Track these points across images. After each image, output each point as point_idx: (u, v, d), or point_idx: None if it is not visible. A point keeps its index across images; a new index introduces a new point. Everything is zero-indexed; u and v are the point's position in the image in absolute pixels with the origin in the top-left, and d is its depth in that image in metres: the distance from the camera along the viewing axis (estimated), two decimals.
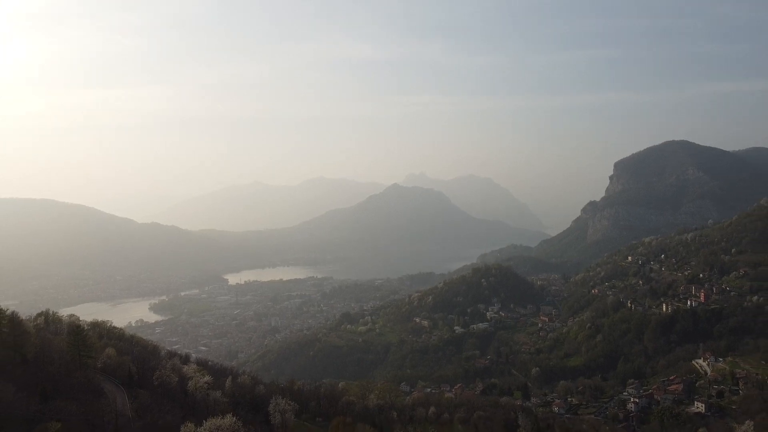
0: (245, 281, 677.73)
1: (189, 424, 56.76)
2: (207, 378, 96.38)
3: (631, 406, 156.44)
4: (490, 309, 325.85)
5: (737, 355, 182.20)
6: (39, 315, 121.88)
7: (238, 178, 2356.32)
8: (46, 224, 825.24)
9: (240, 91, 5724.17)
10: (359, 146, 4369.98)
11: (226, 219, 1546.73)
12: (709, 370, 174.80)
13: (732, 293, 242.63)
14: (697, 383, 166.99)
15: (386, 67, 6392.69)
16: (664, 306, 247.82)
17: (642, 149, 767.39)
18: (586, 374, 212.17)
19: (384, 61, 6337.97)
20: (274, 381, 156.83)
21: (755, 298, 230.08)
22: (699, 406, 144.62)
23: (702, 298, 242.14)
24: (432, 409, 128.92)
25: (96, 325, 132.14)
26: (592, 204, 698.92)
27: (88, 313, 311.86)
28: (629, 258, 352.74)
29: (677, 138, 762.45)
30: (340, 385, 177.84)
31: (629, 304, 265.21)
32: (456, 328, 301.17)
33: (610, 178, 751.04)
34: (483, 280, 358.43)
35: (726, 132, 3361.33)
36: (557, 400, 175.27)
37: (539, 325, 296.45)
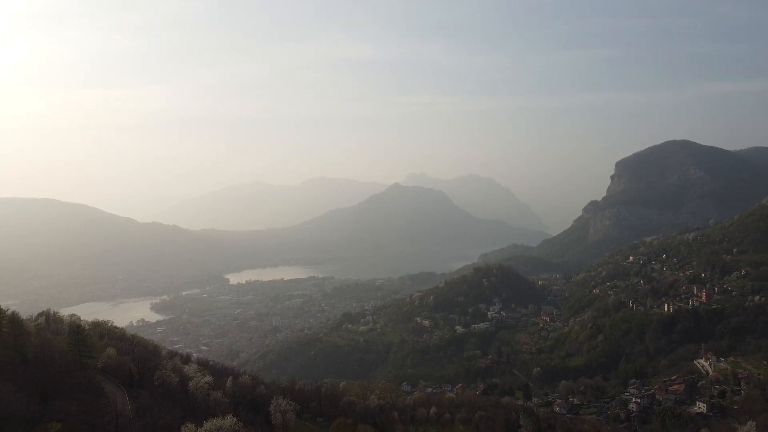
0: (246, 281, 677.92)
1: (189, 425, 56.55)
2: (208, 378, 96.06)
3: (632, 406, 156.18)
4: (491, 309, 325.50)
5: (739, 355, 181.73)
6: (40, 315, 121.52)
7: (239, 178, 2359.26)
8: (47, 224, 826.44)
9: (240, 91, 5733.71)
10: (360, 146, 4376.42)
11: (227, 219, 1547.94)
12: (710, 370, 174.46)
13: (734, 293, 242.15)
14: (699, 383, 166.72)
15: (386, 67, 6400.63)
16: (666, 306, 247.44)
17: (643, 149, 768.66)
18: (587, 374, 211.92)
19: (384, 61, 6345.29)
20: (275, 381, 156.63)
21: (757, 298, 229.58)
22: (701, 407, 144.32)
23: (703, 298, 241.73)
24: (433, 410, 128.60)
25: (97, 325, 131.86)
26: (593, 204, 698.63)
27: (89, 312, 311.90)
28: (630, 258, 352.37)
29: (678, 138, 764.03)
30: (341, 385, 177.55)
31: (631, 304, 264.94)
32: (457, 327, 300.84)
33: (612, 177, 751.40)
34: (484, 279, 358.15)
35: (727, 132, 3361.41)
36: (559, 400, 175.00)
37: (540, 324, 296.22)
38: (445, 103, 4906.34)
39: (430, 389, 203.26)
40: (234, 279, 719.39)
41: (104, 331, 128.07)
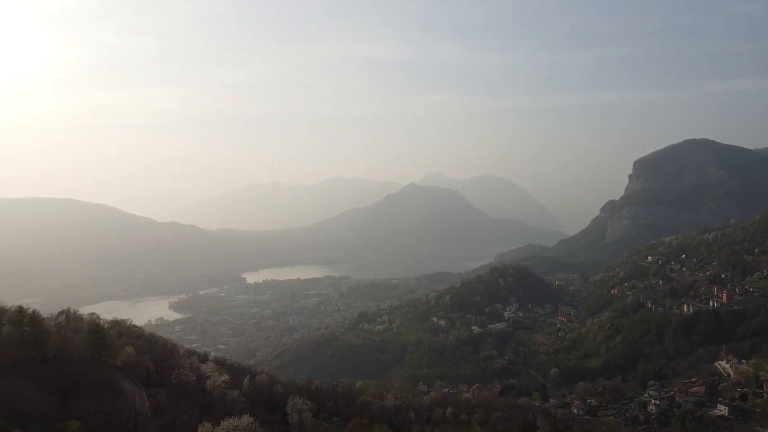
0: (263, 280, 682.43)
1: (206, 424, 56.81)
2: (225, 377, 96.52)
3: (651, 408, 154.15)
4: (507, 309, 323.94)
5: (761, 357, 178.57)
6: (60, 313, 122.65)
7: (256, 178, 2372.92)
8: (67, 223, 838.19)
9: (256, 91, 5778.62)
10: (375, 146, 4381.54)
11: (244, 218, 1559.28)
12: (732, 372, 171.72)
13: (755, 294, 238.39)
14: (720, 385, 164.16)
15: (401, 66, 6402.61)
16: (686, 306, 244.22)
17: (661, 148, 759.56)
18: (605, 375, 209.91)
19: (398, 60, 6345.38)
20: (292, 380, 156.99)
21: None
22: (722, 409, 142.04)
23: (724, 299, 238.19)
24: (450, 410, 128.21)
25: (116, 324, 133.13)
26: (611, 203, 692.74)
27: (108, 311, 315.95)
28: (649, 258, 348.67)
29: (697, 136, 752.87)
30: (357, 384, 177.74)
31: (649, 305, 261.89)
32: (473, 327, 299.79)
33: (629, 177, 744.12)
34: (500, 279, 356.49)
35: (747, 130, 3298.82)
36: (576, 402, 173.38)
37: (557, 325, 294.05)
38: (460, 103, 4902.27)
39: (446, 389, 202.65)
40: (251, 278, 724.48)
41: (123, 330, 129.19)
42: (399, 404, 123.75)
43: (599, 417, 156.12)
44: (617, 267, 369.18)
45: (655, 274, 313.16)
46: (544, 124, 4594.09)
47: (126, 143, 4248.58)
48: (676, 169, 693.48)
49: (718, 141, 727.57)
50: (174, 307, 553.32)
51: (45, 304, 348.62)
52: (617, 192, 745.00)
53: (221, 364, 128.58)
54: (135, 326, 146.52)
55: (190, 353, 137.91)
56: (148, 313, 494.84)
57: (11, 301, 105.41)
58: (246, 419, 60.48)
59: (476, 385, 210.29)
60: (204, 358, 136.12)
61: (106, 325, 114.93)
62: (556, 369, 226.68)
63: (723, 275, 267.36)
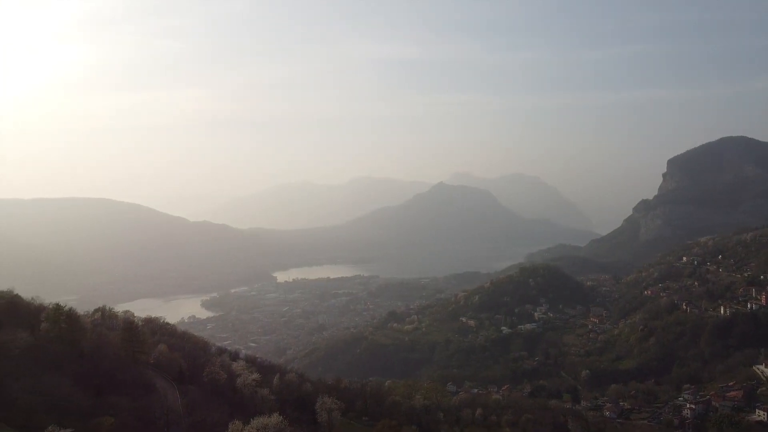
0: (293, 279, 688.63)
1: (237, 422, 57.44)
2: (255, 375, 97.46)
3: (686, 412, 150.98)
4: (537, 309, 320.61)
5: None
6: (96, 311, 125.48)
7: (286, 177, 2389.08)
8: (103, 222, 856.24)
9: (286, 91, 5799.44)
10: (404, 145, 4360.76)
11: (274, 217, 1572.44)
12: None
13: None
14: (758, 390, 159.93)
15: (433, 66, 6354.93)
16: (722, 308, 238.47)
17: (697, 146, 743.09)
18: (638, 378, 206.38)
19: (427, 60, 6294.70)
20: (321, 378, 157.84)
21: None
22: (761, 415, 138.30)
23: (763, 301, 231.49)
24: (479, 411, 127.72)
25: (149, 321, 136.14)
26: (644, 202, 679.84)
27: (142, 308, 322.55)
28: (684, 258, 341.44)
29: (734, 134, 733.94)
30: (386, 384, 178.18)
31: (684, 306, 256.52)
32: (503, 328, 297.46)
33: (664, 175, 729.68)
34: (530, 279, 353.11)
35: None
36: (608, 404, 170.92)
37: (589, 326, 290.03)
38: (489, 101, 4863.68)
39: (475, 390, 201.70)
40: (281, 277, 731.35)
41: (156, 328, 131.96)
42: (428, 404, 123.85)
43: (632, 420, 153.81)
44: (651, 267, 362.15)
45: (690, 275, 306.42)
46: (576, 123, 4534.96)
47: (158, 144, 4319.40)
48: (712, 167, 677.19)
49: (756, 138, 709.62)
50: (206, 305, 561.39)
51: (82, 301, 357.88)
52: (650, 191, 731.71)
53: (251, 362, 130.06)
54: (168, 324, 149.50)
55: (221, 351, 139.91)
56: (180, 311, 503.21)
57: (50, 299, 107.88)
58: (275, 418, 60.89)
59: (506, 386, 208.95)
60: (235, 356, 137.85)
61: (139, 323, 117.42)
62: (587, 371, 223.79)
63: (762, 276, 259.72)
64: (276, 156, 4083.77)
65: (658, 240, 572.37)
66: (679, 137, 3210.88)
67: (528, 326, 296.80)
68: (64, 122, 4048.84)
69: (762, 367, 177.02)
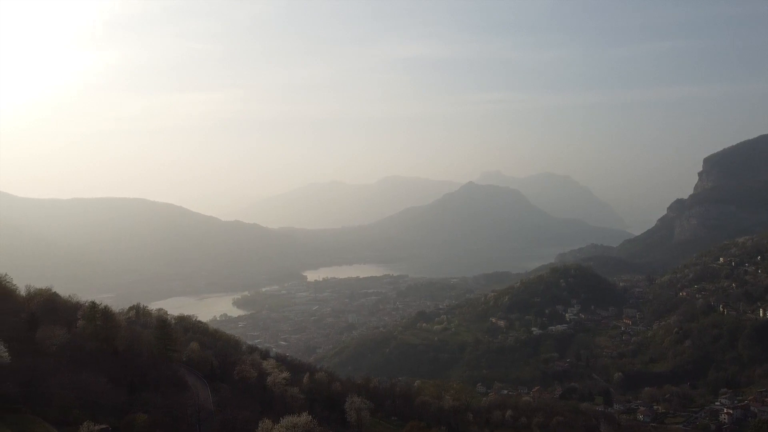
0: (323, 278, 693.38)
1: (267, 421, 57.92)
2: (285, 374, 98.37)
3: (723, 417, 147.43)
4: (569, 310, 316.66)
5: None
6: (130, 308, 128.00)
7: (316, 177, 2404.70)
8: (139, 222, 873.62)
9: (315, 93, 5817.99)
10: (433, 145, 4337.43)
11: (305, 217, 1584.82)
12: None
13: None
14: None
15: (460, 65, 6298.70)
16: (761, 311, 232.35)
17: (734, 144, 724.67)
18: (672, 381, 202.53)
19: (455, 59, 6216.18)
20: (351, 378, 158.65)
21: None
22: None
23: None
24: (509, 413, 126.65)
25: (182, 319, 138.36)
26: (679, 202, 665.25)
27: (175, 306, 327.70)
28: (721, 259, 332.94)
29: None
30: (415, 383, 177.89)
31: (721, 308, 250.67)
32: (533, 329, 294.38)
33: (699, 174, 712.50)
34: (561, 280, 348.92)
35: None
36: (642, 408, 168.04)
37: (622, 328, 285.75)
38: (518, 100, 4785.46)
39: (505, 391, 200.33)
40: (311, 276, 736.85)
41: (188, 325, 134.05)
42: (457, 405, 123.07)
43: (666, 424, 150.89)
44: (686, 268, 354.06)
45: (727, 276, 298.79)
46: (607, 121, 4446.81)
47: (193, 145, 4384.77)
48: (749, 166, 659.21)
49: None
50: (237, 303, 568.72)
51: (118, 299, 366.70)
52: (686, 190, 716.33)
53: (282, 360, 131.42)
54: (200, 322, 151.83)
55: (252, 349, 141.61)
56: (212, 309, 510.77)
57: (87, 296, 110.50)
58: (305, 417, 61.25)
59: (536, 388, 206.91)
60: (265, 354, 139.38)
61: (172, 321, 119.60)
62: (620, 373, 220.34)
63: None
64: (306, 156, 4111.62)
65: (694, 240, 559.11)
66: (714, 135, 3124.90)
67: (559, 327, 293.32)
68: (108, 125, 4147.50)
69: None
